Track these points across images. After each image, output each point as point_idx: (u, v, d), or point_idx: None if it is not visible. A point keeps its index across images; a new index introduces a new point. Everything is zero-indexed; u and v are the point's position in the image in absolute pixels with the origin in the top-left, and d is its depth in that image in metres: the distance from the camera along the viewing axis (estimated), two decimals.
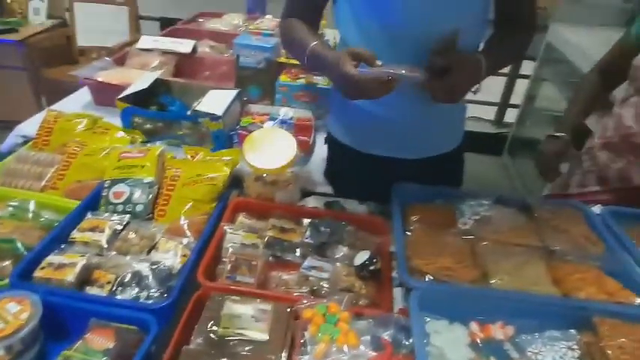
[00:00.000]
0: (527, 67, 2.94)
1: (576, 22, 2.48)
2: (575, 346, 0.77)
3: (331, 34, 1.86)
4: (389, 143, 1.09)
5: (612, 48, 1.24)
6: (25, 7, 2.75)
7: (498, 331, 0.80)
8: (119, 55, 1.64)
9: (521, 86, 3.03)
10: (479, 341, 0.78)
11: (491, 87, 3.25)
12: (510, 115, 3.19)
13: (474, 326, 0.80)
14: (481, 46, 1.00)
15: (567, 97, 2.39)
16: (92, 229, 0.95)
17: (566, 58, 2.34)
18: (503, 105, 3.23)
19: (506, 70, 3.10)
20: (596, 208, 1.11)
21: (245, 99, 1.38)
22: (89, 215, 0.98)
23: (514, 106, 3.12)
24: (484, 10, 0.96)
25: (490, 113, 3.34)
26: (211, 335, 0.75)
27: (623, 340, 0.75)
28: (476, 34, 0.97)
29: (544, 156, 1.25)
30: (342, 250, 0.93)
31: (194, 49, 1.67)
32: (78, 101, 1.48)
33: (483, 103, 3.27)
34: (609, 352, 0.74)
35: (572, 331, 0.80)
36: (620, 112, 1.16)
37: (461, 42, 0.87)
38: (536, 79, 2.77)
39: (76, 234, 0.94)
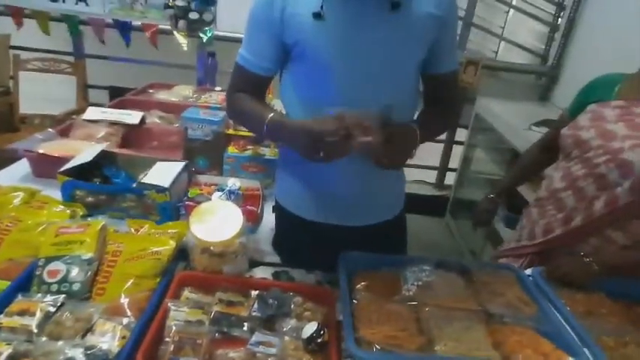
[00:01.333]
0: (462, 134, 3.19)
1: (498, 96, 2.78)
2: None
3: (279, 104, 1.96)
4: (334, 212, 1.13)
5: (551, 128, 1.44)
6: None
7: None
8: (64, 127, 1.61)
9: (458, 151, 3.26)
10: None
11: (432, 152, 3.48)
12: (450, 178, 3.39)
13: None
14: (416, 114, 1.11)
15: (496, 161, 2.61)
16: (21, 313, 0.88)
17: (492, 127, 2.59)
18: (443, 169, 3.44)
19: (443, 137, 3.34)
20: (528, 270, 1.19)
21: (193, 169, 1.40)
22: (19, 297, 0.92)
23: (453, 169, 3.33)
24: (415, 87, 1.07)
25: (432, 177, 3.53)
26: None
27: None
28: (410, 106, 1.07)
29: (476, 212, 1.54)
30: (289, 323, 0.92)
31: (142, 120, 1.69)
32: (16, 173, 1.42)
33: (425, 167, 3.47)
34: None
35: None
36: (552, 174, 1.29)
37: (398, 114, 0.97)
38: (469, 145, 3.01)
39: (3, 319, 0.87)
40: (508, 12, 4.90)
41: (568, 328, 0.99)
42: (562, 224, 1.24)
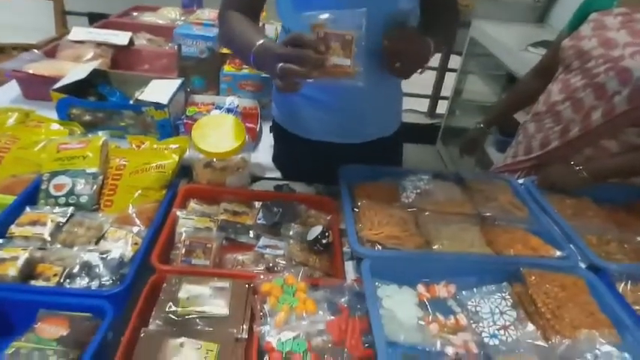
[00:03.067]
0: (455, 61, 3.14)
1: (495, 18, 2.70)
2: (508, 296, 0.86)
3: (272, 28, 1.89)
4: (330, 129, 1.14)
5: (548, 50, 1.41)
6: None
7: (442, 289, 0.88)
8: (49, 48, 1.55)
9: (450, 79, 3.23)
10: (426, 300, 0.85)
11: (424, 80, 3.43)
12: (442, 107, 3.39)
13: (420, 287, 0.88)
14: None
15: (491, 88, 2.60)
16: (32, 224, 0.90)
17: (488, 51, 2.54)
18: (435, 97, 3.42)
19: (435, 64, 3.29)
20: (521, 180, 1.24)
21: (189, 90, 1.37)
22: (28, 210, 0.93)
23: (445, 98, 3.32)
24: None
25: (424, 105, 3.52)
26: (170, 316, 0.75)
27: (547, 286, 0.86)
28: (414, 18, 1.05)
29: (464, 141, 1.63)
30: (294, 228, 0.96)
31: (131, 42, 1.62)
32: (5, 95, 1.39)
33: (417, 95, 3.45)
34: (536, 297, 0.84)
35: (504, 283, 0.89)
36: (551, 87, 1.30)
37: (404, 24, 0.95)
38: (462, 72, 2.98)
39: (14, 229, 0.89)
40: None
41: (556, 228, 1.05)
42: (559, 136, 1.27)
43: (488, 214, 1.05)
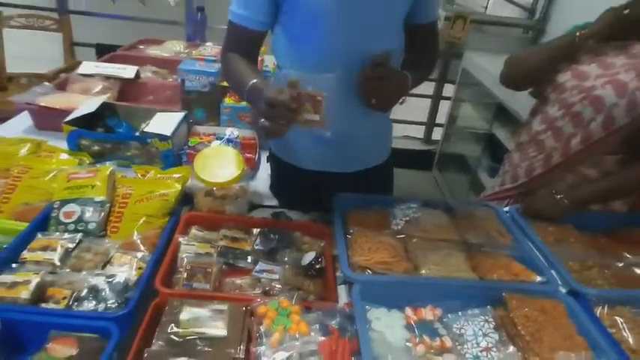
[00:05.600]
0: (449, 89, 3.25)
1: (485, 50, 2.82)
2: (491, 319, 0.91)
3: (270, 60, 1.99)
4: (324, 159, 1.21)
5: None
6: None
7: (429, 313, 0.93)
8: (60, 81, 1.64)
9: (445, 107, 3.33)
10: (413, 323, 0.90)
11: (420, 108, 3.55)
12: (437, 134, 3.48)
13: (408, 311, 0.93)
14: None
15: (482, 116, 2.70)
16: (43, 249, 0.96)
17: (479, 81, 2.65)
18: (430, 124, 3.52)
19: (431, 92, 3.40)
20: (507, 208, 1.31)
21: (191, 121, 1.45)
22: (39, 236, 0.99)
23: (440, 125, 3.41)
24: (400, 37, 1.13)
25: (419, 132, 3.62)
26: (172, 337, 0.80)
27: (527, 310, 0.91)
28: (396, 54, 1.13)
29: None
30: (289, 254, 1.02)
31: (137, 75, 1.71)
32: (18, 126, 1.47)
33: (413, 122, 3.55)
34: (516, 320, 0.89)
35: (488, 307, 0.94)
36: (532, 119, 1.38)
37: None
38: (456, 100, 3.08)
39: (26, 254, 0.95)
40: None
41: (538, 254, 1.11)
42: (543, 164, 1.34)
43: (473, 240, 1.11)
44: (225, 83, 1.47)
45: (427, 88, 3.45)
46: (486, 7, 4.91)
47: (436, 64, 1.23)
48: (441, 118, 3.41)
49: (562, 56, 1.25)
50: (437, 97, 3.40)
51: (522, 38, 3.00)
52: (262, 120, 0.90)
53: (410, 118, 3.44)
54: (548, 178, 1.33)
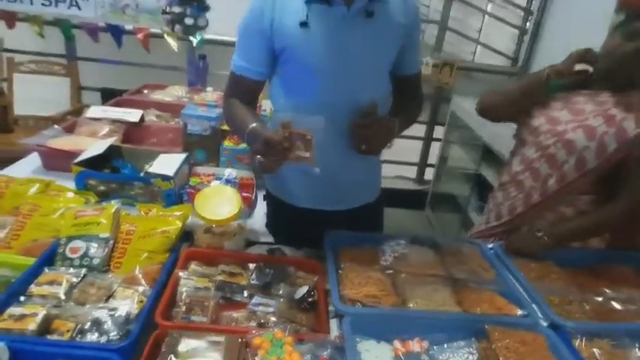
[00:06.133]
0: (439, 131, 3.38)
1: (472, 94, 2.97)
2: (475, 351, 0.96)
3: (267, 105, 2.10)
4: (317, 198, 1.29)
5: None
6: None
7: (416, 345, 0.98)
8: (68, 124, 1.74)
9: (436, 148, 3.45)
10: (401, 355, 0.94)
11: (412, 149, 3.67)
12: (429, 174, 3.58)
13: (396, 343, 0.97)
14: None
15: (470, 156, 2.81)
16: (50, 283, 1.01)
17: (466, 124, 2.78)
18: (422, 165, 3.63)
19: (422, 134, 3.53)
20: (491, 244, 1.37)
21: (192, 162, 1.54)
22: (46, 270, 1.05)
23: (431, 165, 3.52)
24: (388, 86, 1.24)
25: (412, 172, 3.72)
26: None
27: (509, 341, 0.96)
28: (383, 102, 1.23)
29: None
30: (283, 288, 1.07)
31: (142, 119, 1.82)
32: (27, 167, 1.55)
33: (406, 163, 3.66)
34: (498, 352, 0.94)
35: (472, 339, 0.99)
36: (512, 160, 1.48)
37: (377, 102, 1.14)
38: (445, 141, 3.21)
39: (33, 288, 1.00)
40: (484, 16, 5.13)
41: (520, 289, 1.16)
42: (523, 203, 1.42)
43: (458, 276, 1.17)
44: (225, 127, 1.57)
45: (419, 130, 3.59)
46: (474, 53, 5.17)
47: (422, 108, 1.33)
48: (433, 158, 3.53)
49: (533, 88, 1.35)
50: (428, 139, 3.53)
51: (507, 84, 3.16)
52: (258, 157, 1.02)
53: (403, 159, 3.55)
54: (529, 216, 1.40)
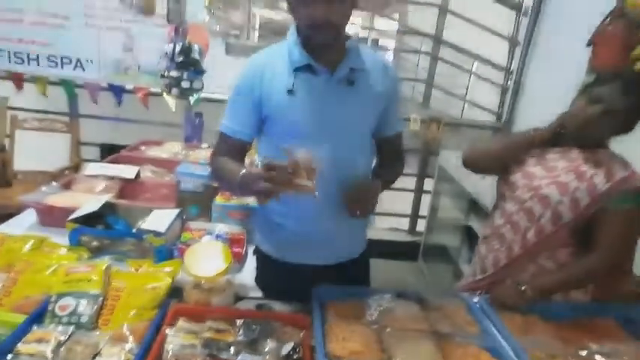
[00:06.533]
0: (430, 183, 3.46)
1: (459, 148, 3.08)
2: None
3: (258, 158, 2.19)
4: (304, 252, 1.33)
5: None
6: None
7: None
8: (66, 181, 1.79)
9: (427, 200, 3.52)
10: None
11: (404, 201, 3.73)
12: (422, 225, 3.62)
13: None
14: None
15: (459, 209, 2.87)
16: (38, 341, 1.02)
17: (453, 177, 2.87)
18: (414, 216, 3.68)
19: (413, 187, 3.61)
20: (476, 298, 1.40)
21: (185, 217, 1.58)
22: (35, 328, 1.06)
23: (423, 217, 3.57)
24: (370, 147, 1.32)
25: (405, 224, 3.76)
26: None
27: None
28: (366, 163, 1.31)
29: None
30: (269, 344, 1.08)
31: (137, 175, 1.88)
32: (24, 222, 1.59)
33: (398, 215, 3.72)
34: None
35: None
36: (494, 214, 1.53)
37: (356, 169, 1.22)
38: (435, 194, 3.28)
39: (21, 346, 1.00)
40: (470, 75, 5.40)
41: (505, 343, 1.18)
42: (506, 255, 1.46)
43: (444, 330, 1.19)
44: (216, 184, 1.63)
45: (410, 182, 3.68)
46: (463, 109, 5.38)
47: (404, 166, 1.41)
48: (424, 210, 3.58)
49: (516, 148, 1.44)
50: (419, 191, 3.60)
51: (492, 139, 3.29)
52: (260, 184, 1.01)
53: (396, 211, 3.61)
54: (513, 269, 1.44)
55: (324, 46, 1.15)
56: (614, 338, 1.26)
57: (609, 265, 1.34)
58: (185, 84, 2.05)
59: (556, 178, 1.35)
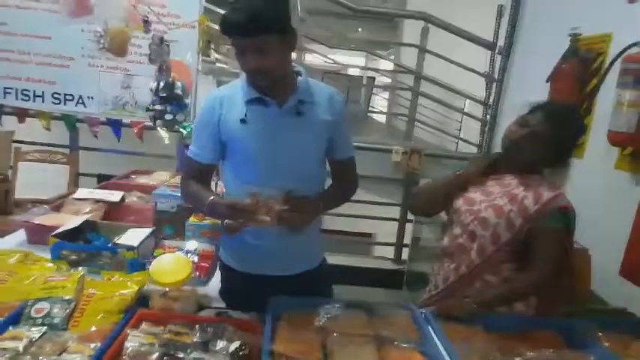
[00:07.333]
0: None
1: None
2: None
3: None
4: (261, 264, 1.45)
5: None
6: None
7: None
8: (56, 204, 1.95)
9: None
10: None
11: (390, 232, 3.84)
12: (406, 254, 3.71)
13: None
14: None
15: (438, 237, 2.97)
16: (12, 339, 1.14)
17: None
18: (399, 245, 3.77)
19: (397, 216, 3.73)
20: (423, 309, 1.49)
21: (162, 237, 1.72)
22: (10, 328, 1.18)
23: (407, 245, 3.67)
24: (319, 170, 1.46)
25: (390, 252, 3.86)
26: None
27: None
28: (316, 184, 1.44)
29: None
30: (221, 344, 1.19)
31: (122, 199, 2.04)
32: (13, 240, 1.73)
33: (384, 244, 3.81)
34: None
35: None
36: (443, 237, 1.65)
37: (306, 189, 1.35)
38: (416, 222, 3.39)
39: None
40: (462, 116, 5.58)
41: (442, 349, 1.27)
42: (454, 272, 1.57)
43: (385, 335, 1.29)
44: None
45: (394, 211, 3.80)
46: (457, 144, 5.52)
47: (355, 189, 1.54)
48: (408, 239, 3.68)
49: (447, 186, 1.61)
50: (402, 220, 3.72)
51: None
52: (226, 221, 1.24)
53: (381, 240, 3.71)
54: (460, 285, 1.54)
55: (264, 87, 1.32)
56: (551, 346, 1.34)
57: (545, 279, 1.44)
58: (168, 116, 2.24)
59: (492, 202, 1.48)
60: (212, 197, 1.33)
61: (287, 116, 1.34)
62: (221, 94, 1.38)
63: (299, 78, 1.38)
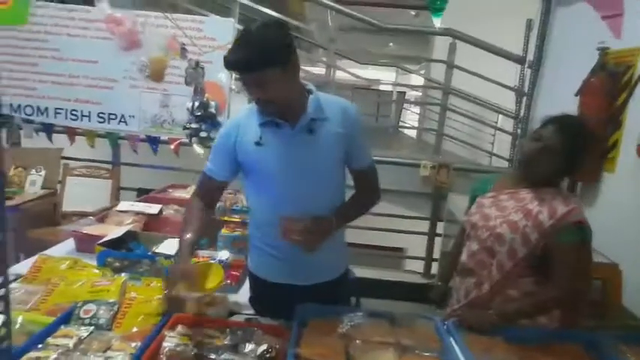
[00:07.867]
0: (441, 226, 3.58)
1: (465, 192, 3.22)
2: None
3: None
4: (286, 275, 1.52)
5: None
6: (23, 180, 3.31)
7: None
8: (101, 216, 2.12)
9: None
10: None
11: (419, 246, 3.84)
12: (436, 268, 3.70)
13: None
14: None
15: None
16: (63, 336, 1.27)
17: (459, 220, 2.99)
18: (429, 259, 3.77)
19: (426, 230, 3.74)
20: (445, 321, 1.52)
21: (196, 247, 1.83)
22: (62, 327, 1.31)
23: (436, 259, 3.66)
24: (337, 182, 1.51)
25: (420, 267, 3.85)
26: None
27: None
28: (334, 197, 1.50)
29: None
30: (250, 347, 1.27)
31: (160, 211, 2.18)
32: (63, 249, 1.89)
33: (414, 257, 3.82)
34: None
35: None
36: (462, 252, 1.68)
37: (324, 203, 1.43)
38: (445, 236, 3.39)
39: (49, 340, 1.25)
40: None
41: (462, 357, 1.30)
42: (475, 287, 1.59)
43: (407, 344, 1.33)
44: (223, 217, 1.88)
45: (424, 225, 3.80)
46: (491, 158, 5.44)
47: (375, 199, 1.59)
48: (437, 252, 3.67)
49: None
50: (431, 234, 3.72)
51: None
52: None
53: (411, 254, 3.72)
54: (482, 300, 1.56)
55: (273, 113, 1.39)
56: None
57: (568, 293, 1.44)
58: (203, 134, 2.39)
59: (507, 217, 1.50)
60: (188, 235, 1.42)
61: (299, 135, 1.40)
62: (238, 118, 1.48)
63: (310, 96, 1.43)
